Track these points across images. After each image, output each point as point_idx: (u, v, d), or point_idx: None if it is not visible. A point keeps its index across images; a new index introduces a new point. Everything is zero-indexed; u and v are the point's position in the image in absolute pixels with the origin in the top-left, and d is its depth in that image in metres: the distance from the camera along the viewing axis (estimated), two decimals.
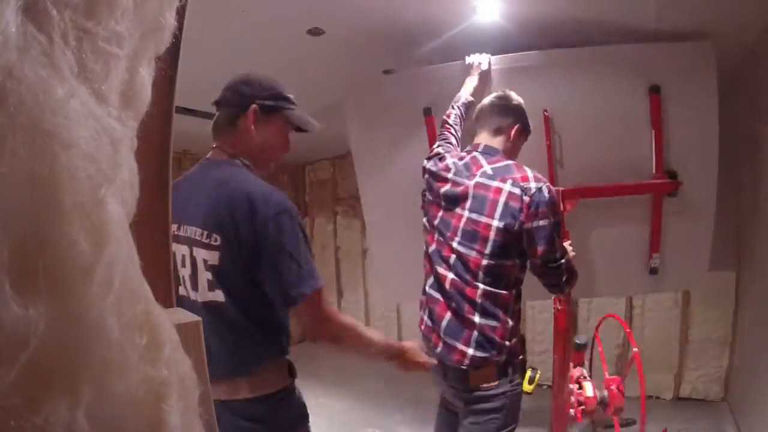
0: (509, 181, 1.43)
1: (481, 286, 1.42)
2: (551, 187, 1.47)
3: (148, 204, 0.70)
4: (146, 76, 0.47)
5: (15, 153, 0.29)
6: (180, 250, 1.11)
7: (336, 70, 2.65)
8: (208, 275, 1.08)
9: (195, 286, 1.11)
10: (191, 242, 1.10)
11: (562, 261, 1.45)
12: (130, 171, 0.42)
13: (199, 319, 0.59)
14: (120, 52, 0.41)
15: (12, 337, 0.28)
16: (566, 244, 1.65)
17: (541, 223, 1.40)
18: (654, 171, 2.02)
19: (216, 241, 1.05)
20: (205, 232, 1.07)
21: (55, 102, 0.32)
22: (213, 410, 0.61)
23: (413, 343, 1.42)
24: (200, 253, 1.08)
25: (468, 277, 1.43)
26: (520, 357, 1.56)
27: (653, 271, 2.17)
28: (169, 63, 0.65)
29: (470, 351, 1.41)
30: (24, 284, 0.29)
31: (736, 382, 2.58)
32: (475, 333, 1.42)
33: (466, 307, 1.42)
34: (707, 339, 2.73)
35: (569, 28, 1.98)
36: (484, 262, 1.42)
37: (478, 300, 1.42)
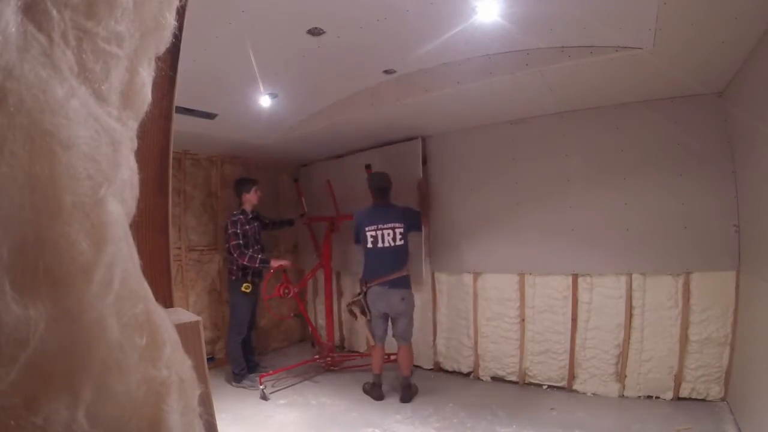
0: None
1: None
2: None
3: (149, 204, 0.70)
4: (146, 76, 0.47)
5: (15, 153, 0.29)
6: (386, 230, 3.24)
7: (336, 70, 2.65)
8: (399, 235, 3.22)
9: (392, 241, 3.21)
10: (393, 227, 3.24)
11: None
12: (130, 171, 0.42)
13: (199, 318, 0.59)
14: (120, 52, 0.41)
15: (12, 337, 0.28)
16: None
17: None
18: None
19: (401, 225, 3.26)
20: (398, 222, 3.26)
21: (55, 102, 0.32)
22: (213, 410, 0.61)
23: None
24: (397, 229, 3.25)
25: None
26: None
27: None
28: (169, 63, 0.65)
29: None
30: (24, 284, 0.29)
31: (736, 382, 2.57)
32: None
33: None
34: (707, 339, 2.72)
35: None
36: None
37: None
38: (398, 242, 3.20)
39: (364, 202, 3.53)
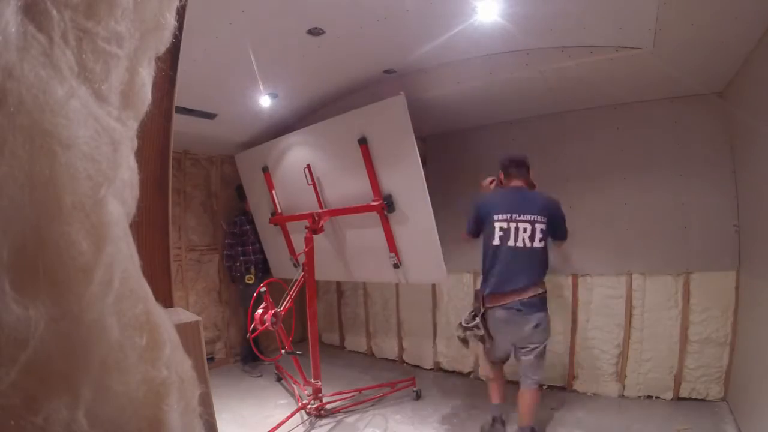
0: None
1: None
2: None
3: (149, 204, 0.70)
4: (146, 76, 0.47)
5: (15, 153, 0.29)
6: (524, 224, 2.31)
7: (336, 70, 2.65)
8: (539, 234, 2.31)
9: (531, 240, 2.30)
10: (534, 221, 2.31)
11: None
12: (130, 171, 0.42)
13: (199, 318, 0.59)
14: (120, 52, 0.41)
15: (12, 337, 0.28)
16: None
17: None
18: (373, 196, 2.80)
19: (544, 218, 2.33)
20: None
21: (55, 102, 0.32)
22: (213, 410, 0.61)
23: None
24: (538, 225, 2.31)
25: None
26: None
27: (395, 266, 2.93)
28: (169, 63, 0.65)
29: None
30: (24, 284, 0.29)
31: (736, 382, 2.58)
32: None
33: None
34: (707, 339, 2.73)
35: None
36: None
37: None
38: (537, 243, 2.31)
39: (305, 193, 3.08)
